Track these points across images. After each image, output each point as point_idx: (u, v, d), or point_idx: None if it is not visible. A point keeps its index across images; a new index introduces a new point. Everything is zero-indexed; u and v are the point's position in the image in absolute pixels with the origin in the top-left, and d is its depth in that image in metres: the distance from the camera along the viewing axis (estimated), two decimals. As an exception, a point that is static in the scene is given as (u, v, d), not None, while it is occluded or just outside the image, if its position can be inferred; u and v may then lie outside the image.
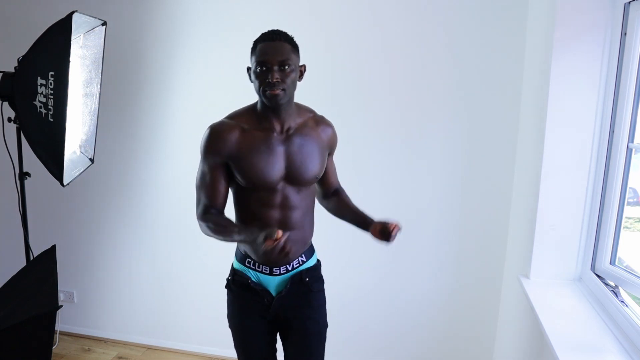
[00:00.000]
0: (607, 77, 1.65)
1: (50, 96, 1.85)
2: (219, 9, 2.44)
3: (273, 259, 1.56)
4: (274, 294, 1.62)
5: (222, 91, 2.50)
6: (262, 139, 1.50)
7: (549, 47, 1.71)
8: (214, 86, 2.52)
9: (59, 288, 1.99)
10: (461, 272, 2.41)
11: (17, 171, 2.08)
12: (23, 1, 2.68)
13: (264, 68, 1.40)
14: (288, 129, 1.52)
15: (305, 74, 2.39)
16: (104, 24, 2.10)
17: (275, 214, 1.54)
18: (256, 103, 1.54)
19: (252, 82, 1.47)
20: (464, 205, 2.35)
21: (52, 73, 1.84)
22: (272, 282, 1.62)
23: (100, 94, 2.21)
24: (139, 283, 2.81)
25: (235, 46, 2.46)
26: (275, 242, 1.29)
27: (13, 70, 1.91)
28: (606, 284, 1.63)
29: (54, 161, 1.95)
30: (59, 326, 2.88)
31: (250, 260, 1.61)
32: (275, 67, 1.40)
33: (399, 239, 2.42)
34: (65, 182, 2.01)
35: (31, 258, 2.14)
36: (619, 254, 1.65)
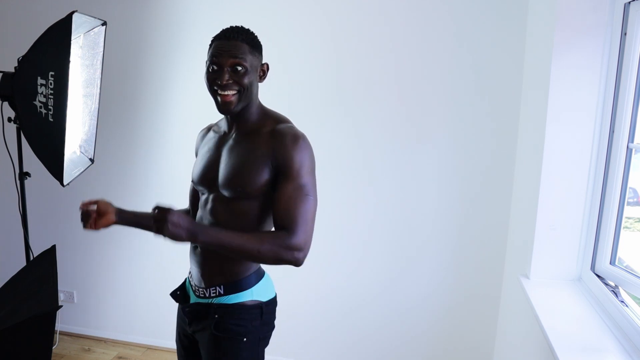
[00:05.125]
0: (607, 77, 1.65)
1: (50, 96, 1.85)
2: (220, 8, 2.44)
3: (196, 275, 1.43)
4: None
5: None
6: (210, 139, 1.46)
7: (549, 47, 1.71)
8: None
9: (59, 288, 1.99)
10: (461, 273, 2.41)
11: (17, 171, 2.08)
12: (23, 1, 2.68)
13: (215, 68, 1.29)
14: (234, 133, 1.39)
15: (312, 74, 2.43)
16: (104, 24, 2.11)
17: (201, 219, 1.42)
18: None
19: None
20: (464, 205, 2.35)
21: (52, 73, 1.84)
22: (191, 301, 1.47)
23: (100, 94, 2.22)
24: (139, 283, 2.81)
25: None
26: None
27: (13, 70, 1.91)
28: (606, 284, 1.63)
29: (54, 161, 1.95)
30: (59, 326, 2.89)
31: (190, 271, 1.50)
32: (227, 68, 1.27)
33: (399, 239, 2.45)
34: (65, 182, 2.01)
35: (31, 258, 2.14)
36: (619, 254, 1.65)
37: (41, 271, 1.96)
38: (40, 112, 1.88)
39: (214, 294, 1.39)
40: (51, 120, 1.87)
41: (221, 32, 1.32)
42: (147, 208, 2.95)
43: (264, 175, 1.30)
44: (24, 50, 1.89)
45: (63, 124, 1.87)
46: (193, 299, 1.46)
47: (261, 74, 1.37)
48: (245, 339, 1.37)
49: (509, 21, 2.16)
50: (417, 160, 2.36)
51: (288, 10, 2.37)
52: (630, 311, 1.44)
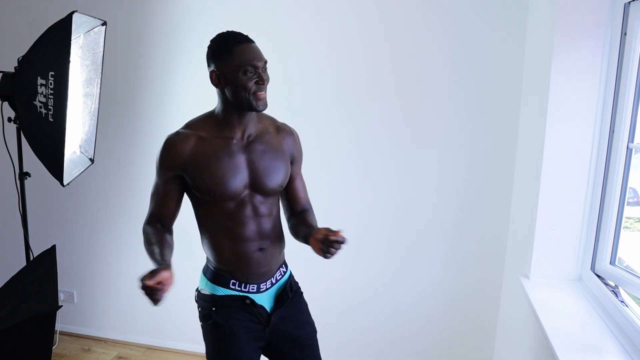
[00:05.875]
0: (607, 77, 1.65)
1: (50, 96, 1.85)
2: (220, 9, 2.44)
3: (260, 275, 1.51)
4: (268, 310, 1.55)
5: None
6: (221, 147, 1.42)
7: (549, 47, 1.71)
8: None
9: (59, 288, 1.98)
10: (461, 273, 2.41)
11: (17, 171, 2.08)
12: (23, 1, 2.68)
13: (251, 70, 1.35)
14: (249, 136, 1.46)
15: (311, 74, 2.42)
16: (104, 24, 2.11)
17: (251, 226, 1.46)
18: (213, 111, 1.48)
19: (220, 86, 1.40)
20: (464, 205, 2.35)
21: (52, 73, 1.84)
22: (262, 299, 1.54)
23: (100, 94, 2.21)
24: (139, 283, 2.80)
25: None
26: (147, 284, 1.27)
27: (13, 70, 1.91)
28: (606, 284, 1.63)
29: (54, 161, 1.95)
30: (59, 326, 2.88)
31: (235, 281, 1.50)
32: (260, 70, 1.37)
33: (398, 240, 2.45)
34: (65, 182, 2.01)
35: (31, 258, 2.14)
36: (619, 254, 1.65)
37: (41, 271, 1.96)
38: (40, 112, 1.88)
39: (280, 276, 1.59)
40: (51, 120, 1.87)
41: (237, 36, 1.37)
42: (147, 207, 2.94)
43: (289, 169, 1.53)
44: (24, 50, 1.89)
45: (63, 124, 1.87)
46: (256, 298, 1.53)
47: None
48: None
49: (509, 22, 2.16)
50: (417, 161, 2.36)
51: (287, 12, 2.37)
52: (630, 311, 1.44)
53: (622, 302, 1.50)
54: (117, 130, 2.67)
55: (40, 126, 1.90)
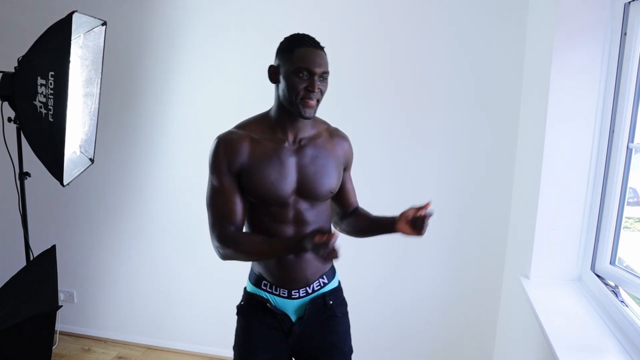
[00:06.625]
0: (607, 77, 1.65)
1: (50, 96, 1.85)
2: (220, 8, 2.44)
3: (291, 280, 1.47)
4: (293, 319, 1.51)
5: (222, 91, 2.50)
6: (273, 150, 1.39)
7: (549, 47, 1.71)
8: (214, 86, 2.52)
9: (59, 288, 1.99)
10: (461, 272, 2.41)
11: (17, 171, 2.08)
12: (23, 1, 2.68)
13: (306, 74, 1.32)
14: (300, 140, 1.42)
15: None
16: (104, 24, 2.11)
17: (289, 230, 1.44)
18: (268, 112, 1.44)
19: (274, 82, 1.39)
20: (464, 205, 2.35)
21: (52, 73, 1.84)
22: (291, 307, 1.50)
23: (100, 94, 2.22)
24: (138, 283, 2.81)
25: (236, 46, 2.46)
26: (326, 239, 1.24)
27: (13, 70, 1.91)
28: (606, 284, 1.63)
29: (54, 161, 1.95)
30: (59, 326, 2.88)
31: (266, 282, 1.50)
32: (316, 77, 1.32)
33: (397, 239, 2.44)
34: (65, 182, 2.01)
35: (31, 258, 2.14)
36: (619, 254, 1.65)
37: (41, 271, 1.96)
38: (40, 112, 1.88)
39: (318, 287, 1.52)
40: (51, 120, 1.87)
41: (305, 39, 1.35)
42: (147, 207, 2.93)
43: (341, 175, 1.51)
44: (24, 50, 1.89)
45: (63, 124, 1.87)
46: (285, 303, 1.50)
47: None
48: (347, 313, 1.61)
49: (509, 21, 2.16)
50: (417, 161, 2.36)
51: (287, 12, 2.37)
52: (630, 311, 1.44)
53: (622, 302, 1.50)
54: (117, 130, 2.67)
55: (40, 126, 1.89)
